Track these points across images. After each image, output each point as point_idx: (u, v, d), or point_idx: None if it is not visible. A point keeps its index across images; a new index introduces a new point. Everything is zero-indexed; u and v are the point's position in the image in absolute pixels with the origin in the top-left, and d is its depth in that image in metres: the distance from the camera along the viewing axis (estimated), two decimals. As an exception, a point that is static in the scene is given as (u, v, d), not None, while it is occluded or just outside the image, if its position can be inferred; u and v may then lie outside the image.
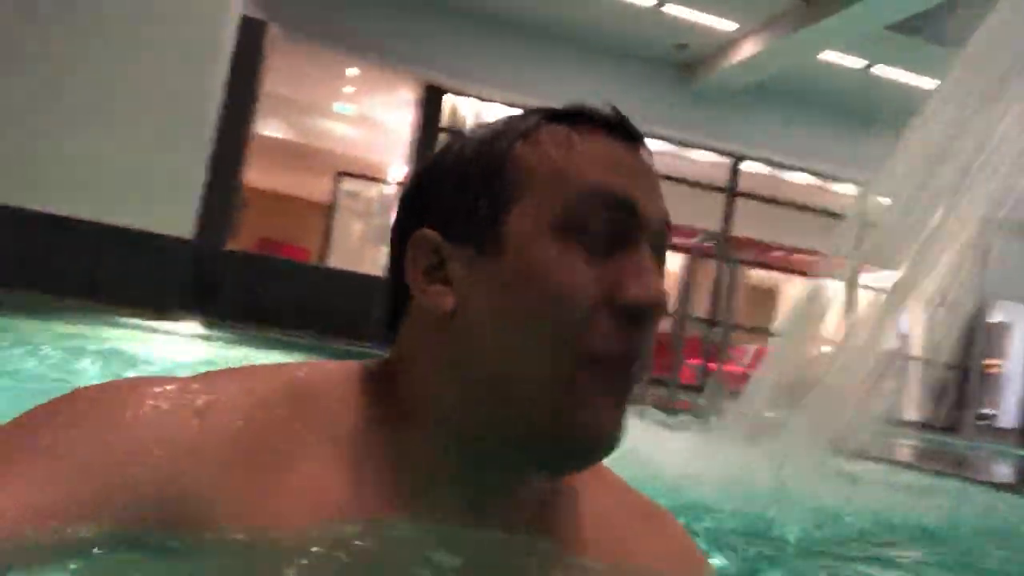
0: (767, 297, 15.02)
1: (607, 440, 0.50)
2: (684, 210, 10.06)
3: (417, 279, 0.53)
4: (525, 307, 0.50)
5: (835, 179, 10.95)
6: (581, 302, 0.49)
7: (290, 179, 12.63)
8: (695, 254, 9.21)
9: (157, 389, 0.49)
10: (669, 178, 10.42)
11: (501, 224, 0.51)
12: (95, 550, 0.43)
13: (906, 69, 9.21)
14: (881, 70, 9.26)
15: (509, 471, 0.53)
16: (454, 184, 0.54)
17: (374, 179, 10.51)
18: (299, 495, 0.48)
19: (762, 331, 13.87)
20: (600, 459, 0.52)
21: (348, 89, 10.11)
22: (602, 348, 0.49)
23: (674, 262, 11.98)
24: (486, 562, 0.51)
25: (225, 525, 0.46)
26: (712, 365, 8.33)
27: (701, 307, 10.54)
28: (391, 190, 10.25)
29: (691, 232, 11.13)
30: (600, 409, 0.50)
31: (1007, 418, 11.90)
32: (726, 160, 10.59)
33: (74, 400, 0.48)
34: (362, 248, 10.41)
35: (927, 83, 9.33)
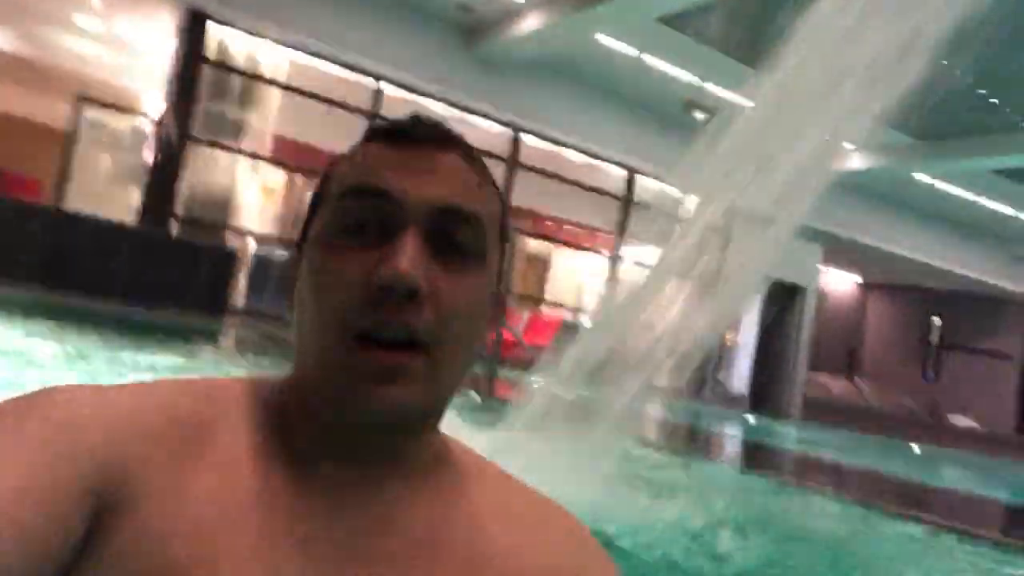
0: (541, 266, 15.62)
1: (380, 413, 0.54)
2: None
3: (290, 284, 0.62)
4: (306, 300, 0.57)
5: (607, 160, 11.54)
6: (342, 288, 0.54)
7: (18, 98, 10.95)
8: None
9: (86, 389, 0.55)
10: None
11: (307, 232, 0.60)
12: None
13: (672, 63, 9.85)
14: (651, 60, 9.82)
15: (349, 451, 0.58)
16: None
17: (123, 109, 9.33)
18: (217, 469, 0.54)
19: (535, 299, 14.49)
20: (384, 432, 0.57)
21: (93, 0, 8.83)
22: (359, 326, 0.54)
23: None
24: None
25: (152, 496, 0.51)
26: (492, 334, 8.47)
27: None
28: (147, 124, 9.16)
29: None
30: (369, 384, 0.54)
31: (739, 384, 13.45)
32: (508, 131, 10.73)
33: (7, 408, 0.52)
34: (110, 188, 9.23)
35: (689, 77, 10.10)
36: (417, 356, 0.55)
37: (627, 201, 12.02)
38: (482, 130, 10.57)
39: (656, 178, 11.74)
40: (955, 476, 8.99)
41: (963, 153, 10.79)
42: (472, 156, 0.61)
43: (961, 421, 15.90)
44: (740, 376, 13.53)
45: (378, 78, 9.67)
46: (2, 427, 0.50)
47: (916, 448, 11.20)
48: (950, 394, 16.62)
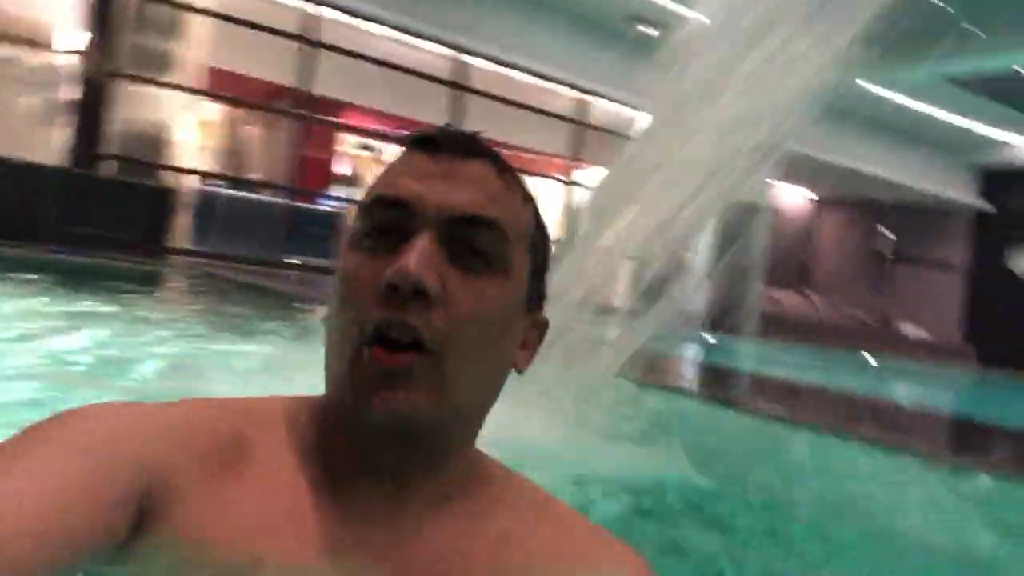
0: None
1: (381, 417, 0.55)
2: (405, 102, 9.67)
3: None
4: (331, 305, 0.59)
5: (558, 82, 11.25)
6: (358, 294, 0.56)
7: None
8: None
9: (126, 406, 0.58)
10: (388, 65, 9.95)
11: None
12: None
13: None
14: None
15: (377, 463, 0.59)
16: None
17: (33, 44, 8.69)
18: (255, 482, 0.57)
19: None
20: (395, 441, 0.57)
21: (-3, -74, 8.12)
22: (368, 329, 0.54)
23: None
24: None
25: (193, 513, 0.53)
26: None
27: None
28: (62, 60, 8.56)
29: (413, 123, 10.90)
30: (371, 387, 0.54)
31: (695, 307, 13.59)
32: (453, 54, 10.35)
33: (64, 418, 0.55)
34: (30, 129, 8.68)
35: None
36: (424, 360, 0.54)
37: (580, 124, 11.80)
38: (427, 52, 10.19)
39: (609, 99, 11.52)
40: (909, 391, 9.26)
41: (914, 62, 10.75)
42: (502, 167, 0.61)
43: (911, 331, 16.39)
44: (697, 294, 13.68)
45: (316, 2, 9.17)
46: (48, 437, 0.52)
47: (871, 360, 11.55)
48: (899, 305, 17.07)
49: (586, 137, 11.83)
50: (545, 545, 0.63)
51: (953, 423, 6.01)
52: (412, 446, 0.58)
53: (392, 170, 0.61)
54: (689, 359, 8.82)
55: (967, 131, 14.46)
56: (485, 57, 10.48)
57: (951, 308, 16.87)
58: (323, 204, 11.47)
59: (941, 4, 8.97)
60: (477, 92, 10.61)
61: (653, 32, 10.29)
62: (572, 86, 11.44)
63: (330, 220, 11.10)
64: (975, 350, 15.45)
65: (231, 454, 0.57)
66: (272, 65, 9.72)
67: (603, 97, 11.48)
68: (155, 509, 0.52)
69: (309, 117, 10.15)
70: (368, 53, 9.80)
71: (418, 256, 0.54)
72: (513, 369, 0.63)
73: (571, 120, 11.77)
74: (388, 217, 0.57)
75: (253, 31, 8.92)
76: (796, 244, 18.17)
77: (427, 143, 0.60)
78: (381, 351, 0.54)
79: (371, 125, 11.69)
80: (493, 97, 10.74)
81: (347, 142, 12.41)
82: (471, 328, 0.56)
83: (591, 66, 10.95)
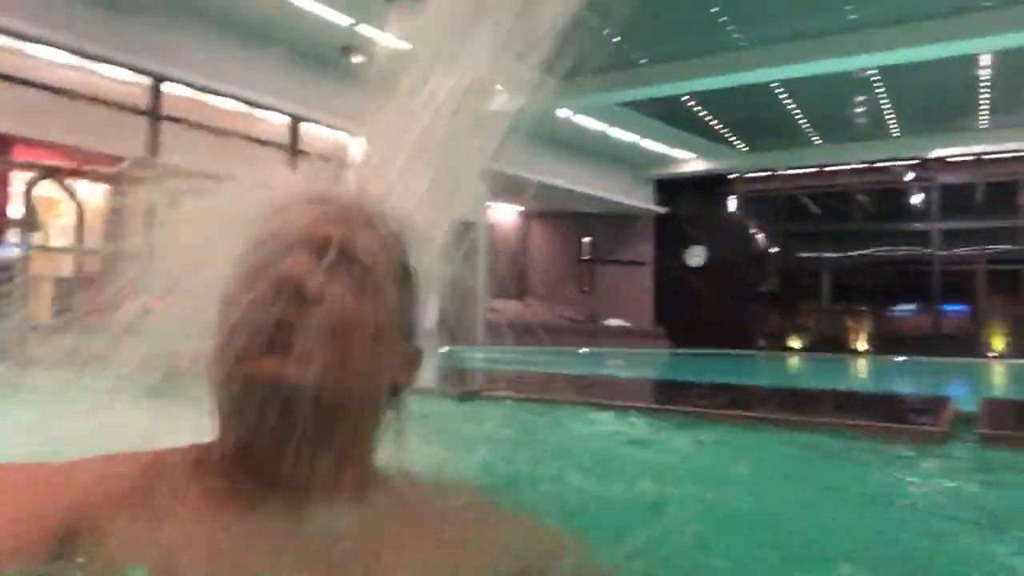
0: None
1: (270, 379, 0.64)
2: (98, 134, 8.70)
3: None
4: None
5: (267, 107, 10.91)
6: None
7: None
8: (119, 183, 8.14)
9: (44, 463, 0.66)
10: (68, 93, 8.94)
11: None
12: None
13: (323, 3, 9.52)
14: (301, 1, 9.39)
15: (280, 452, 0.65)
16: None
17: None
18: (165, 517, 0.62)
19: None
20: (272, 401, 0.64)
21: None
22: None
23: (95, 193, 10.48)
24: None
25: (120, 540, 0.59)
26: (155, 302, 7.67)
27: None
28: None
29: (109, 160, 9.87)
30: (264, 354, 0.64)
31: (430, 319, 13.91)
32: (146, 80, 9.56)
33: None
34: None
35: (342, 19, 9.86)
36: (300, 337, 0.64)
37: (292, 150, 11.55)
38: (116, 80, 9.30)
39: (323, 125, 11.42)
40: (613, 367, 10.44)
41: (594, 88, 12.15)
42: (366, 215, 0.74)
43: (614, 322, 18.36)
44: (430, 312, 14.06)
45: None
46: None
47: (584, 350, 12.84)
48: (604, 301, 19.08)
49: (298, 164, 11.60)
50: (454, 533, 0.70)
51: (656, 384, 7.03)
52: (293, 417, 0.64)
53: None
54: (433, 366, 9.06)
55: (643, 148, 16.67)
56: (185, 84, 9.82)
57: (645, 299, 19.24)
58: (-3, 251, 9.90)
59: (616, 39, 10.23)
60: (175, 120, 9.91)
61: (364, 60, 10.44)
62: (283, 112, 11.18)
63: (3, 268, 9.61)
64: (666, 332, 17.78)
65: (139, 498, 0.63)
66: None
67: (316, 123, 11.37)
68: (71, 553, 0.58)
69: (-31, 153, 8.72)
70: (43, 81, 8.70)
71: (290, 265, 0.67)
72: (399, 384, 0.74)
73: (281, 147, 11.47)
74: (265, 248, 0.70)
75: None
76: (512, 256, 19.50)
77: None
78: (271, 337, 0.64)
79: (50, 160, 10.33)
80: (194, 125, 10.10)
81: (21, 180, 10.82)
82: (342, 325, 0.66)
83: (302, 93, 10.78)
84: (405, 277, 0.75)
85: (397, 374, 0.74)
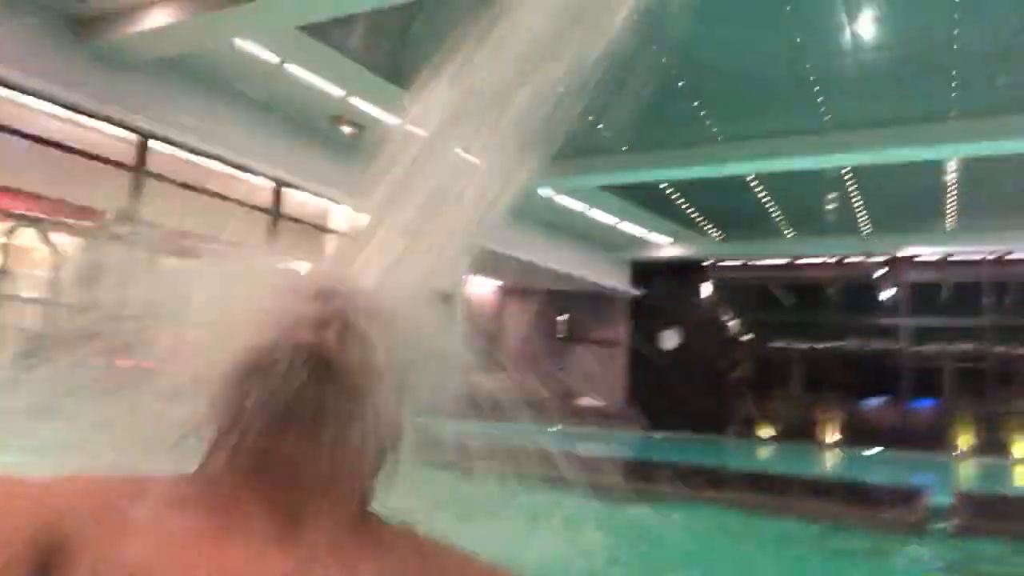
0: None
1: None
2: (81, 186, 8.65)
3: None
4: None
5: (252, 171, 10.97)
6: None
7: None
8: (97, 237, 8.08)
9: (12, 479, 0.64)
10: (52, 144, 8.96)
11: None
12: None
13: (317, 75, 9.72)
14: (295, 70, 9.58)
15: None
16: None
17: None
18: (142, 539, 0.61)
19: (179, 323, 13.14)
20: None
21: None
22: None
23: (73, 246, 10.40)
24: None
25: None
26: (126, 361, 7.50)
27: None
28: None
29: (89, 213, 9.81)
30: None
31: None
32: (133, 136, 9.61)
33: None
34: None
35: (335, 90, 10.06)
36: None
37: (275, 214, 11.57)
38: (103, 134, 9.34)
39: (307, 191, 11.50)
40: (585, 447, 10.33)
41: (576, 172, 12.41)
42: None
43: (586, 401, 18.25)
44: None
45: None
46: None
47: (553, 428, 12.73)
48: (578, 380, 19.00)
49: (281, 228, 11.61)
50: None
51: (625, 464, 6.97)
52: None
53: None
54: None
55: (621, 230, 16.94)
56: (172, 144, 9.88)
57: (617, 379, 19.20)
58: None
59: (599, 126, 10.50)
60: (163, 178, 9.92)
61: (353, 131, 10.62)
62: (268, 177, 11.25)
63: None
64: (638, 414, 17.69)
65: (117, 520, 0.62)
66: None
67: (300, 189, 11.44)
68: (55, 561, 0.57)
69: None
70: (27, 130, 8.71)
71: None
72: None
73: (264, 210, 11.49)
74: None
75: None
76: (487, 329, 19.46)
77: None
78: None
79: (27, 210, 10.25)
80: (178, 184, 10.12)
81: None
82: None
83: (289, 158, 10.89)
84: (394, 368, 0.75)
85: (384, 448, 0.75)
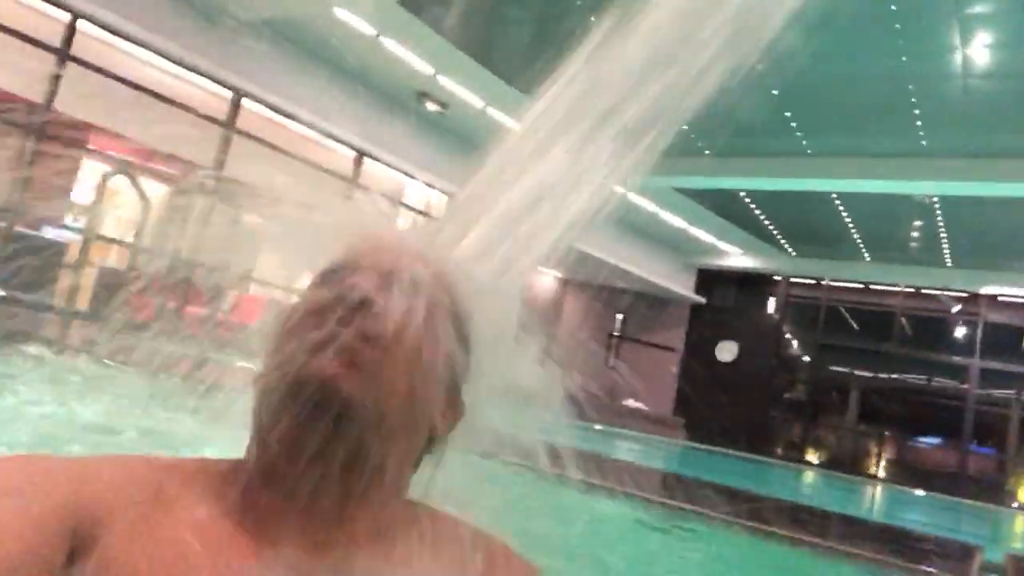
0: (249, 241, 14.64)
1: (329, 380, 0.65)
2: (172, 137, 8.85)
3: None
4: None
5: (334, 138, 11.16)
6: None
7: None
8: (182, 189, 8.30)
9: (60, 457, 0.63)
10: (151, 93, 9.26)
11: None
12: None
13: (409, 49, 9.80)
14: (388, 43, 9.67)
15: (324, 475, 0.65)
16: None
17: None
18: (176, 531, 0.61)
19: (246, 278, 13.53)
20: (322, 408, 0.64)
21: None
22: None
23: (159, 191, 10.74)
24: None
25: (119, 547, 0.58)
26: (193, 309, 7.77)
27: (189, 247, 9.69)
28: None
29: (178, 163, 10.12)
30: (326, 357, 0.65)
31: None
32: (228, 93, 9.87)
33: None
34: None
35: (423, 66, 10.13)
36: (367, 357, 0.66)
37: (354, 183, 11.75)
38: (199, 87, 9.61)
39: (386, 164, 11.64)
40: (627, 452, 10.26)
41: (652, 171, 12.24)
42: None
43: (633, 403, 18.11)
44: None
45: (74, 13, 8.28)
46: None
47: (597, 426, 12.74)
48: (627, 380, 18.86)
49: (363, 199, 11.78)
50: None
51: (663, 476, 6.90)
52: (336, 433, 0.64)
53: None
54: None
55: (691, 235, 16.68)
56: (264, 103, 10.11)
57: (668, 385, 18.99)
58: (49, 233, 10.12)
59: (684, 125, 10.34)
60: (251, 137, 10.17)
61: (439, 109, 10.70)
62: (350, 146, 11.42)
63: (53, 251, 9.82)
64: (684, 423, 17.47)
65: (156, 497, 0.63)
66: (7, 72, 8.55)
67: (380, 161, 11.58)
68: (85, 547, 0.57)
69: (45, 133, 8.99)
70: (129, 78, 9.01)
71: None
72: (435, 433, 0.73)
73: (343, 178, 11.69)
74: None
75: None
76: (543, 318, 19.47)
77: None
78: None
79: (124, 154, 10.65)
80: (267, 144, 10.36)
81: (91, 168, 11.13)
82: (405, 350, 0.67)
83: (372, 130, 11.03)
84: (460, 327, 0.74)
85: (438, 420, 0.73)
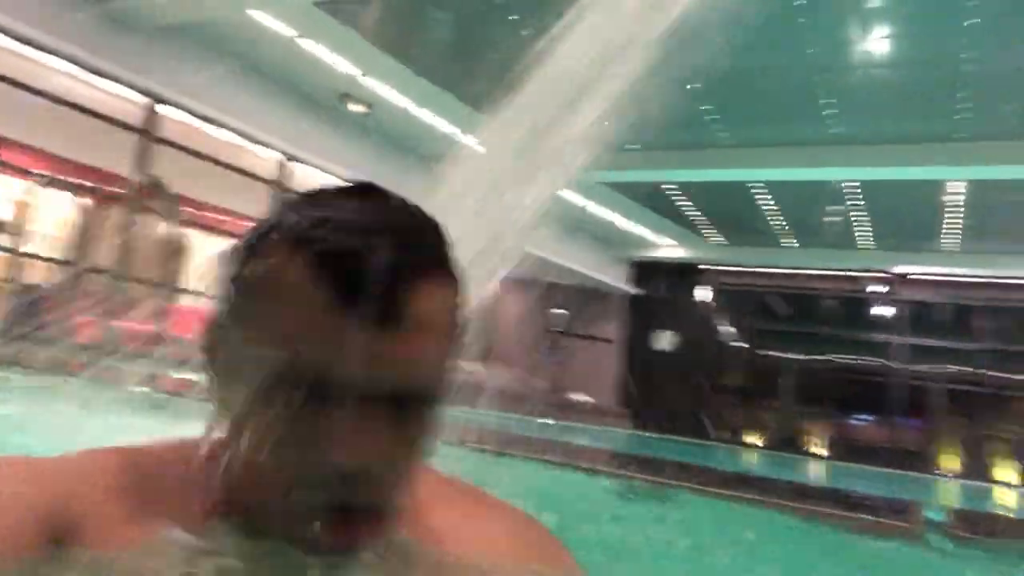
0: (177, 253, 14.27)
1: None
2: (88, 146, 8.69)
3: None
4: None
5: (258, 142, 11.00)
6: None
7: None
8: (100, 199, 8.09)
9: (37, 459, 0.61)
10: (64, 103, 8.99)
11: None
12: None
13: (329, 49, 9.72)
14: (307, 44, 9.58)
15: None
16: None
17: None
18: (158, 524, 0.58)
19: (170, 287, 13.20)
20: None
21: None
22: None
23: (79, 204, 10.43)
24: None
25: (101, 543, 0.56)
26: (119, 322, 7.59)
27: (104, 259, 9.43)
28: None
29: (99, 174, 9.85)
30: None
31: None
32: (143, 99, 9.63)
33: None
34: None
35: (345, 66, 10.05)
36: None
37: (280, 187, 11.60)
38: (114, 95, 9.36)
39: (313, 166, 11.52)
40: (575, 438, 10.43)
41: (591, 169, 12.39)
42: None
43: (578, 397, 18.32)
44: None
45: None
46: None
47: (547, 421, 12.89)
48: (569, 375, 19.06)
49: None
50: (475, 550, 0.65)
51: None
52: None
53: None
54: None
55: (621, 228, 16.97)
56: (182, 108, 9.90)
57: (609, 376, 19.27)
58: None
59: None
60: (171, 144, 9.95)
61: (363, 110, 10.65)
62: (275, 149, 11.27)
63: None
64: (628, 412, 17.75)
65: (132, 497, 0.59)
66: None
67: (305, 163, 11.46)
68: (62, 550, 0.55)
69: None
70: (40, 87, 8.73)
71: None
72: None
73: (269, 182, 11.53)
74: None
75: None
76: (483, 319, 19.51)
77: None
78: None
79: (36, 167, 10.30)
80: (186, 150, 10.15)
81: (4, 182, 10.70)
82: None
83: (296, 132, 10.91)
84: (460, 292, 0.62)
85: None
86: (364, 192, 0.58)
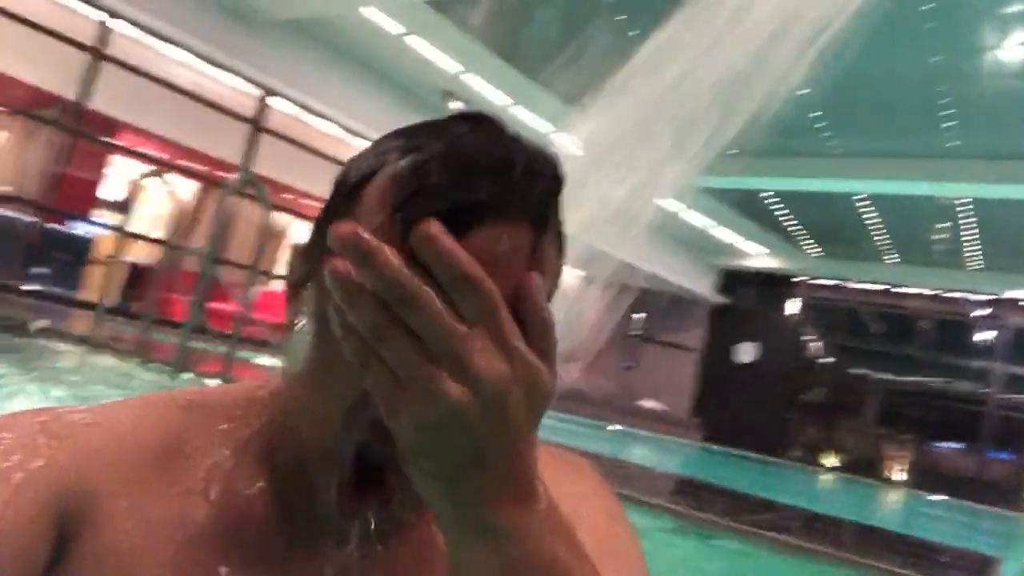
0: (277, 239, 14.71)
1: None
2: (200, 134, 9.01)
3: None
4: None
5: (358, 135, 11.18)
6: None
7: None
8: (210, 184, 8.33)
9: (48, 416, 0.53)
10: (182, 92, 9.32)
11: None
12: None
13: (436, 48, 9.79)
14: (414, 41, 9.66)
15: None
16: None
17: None
18: (178, 496, 0.52)
19: (268, 273, 13.59)
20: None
21: None
22: None
23: (188, 189, 10.84)
24: None
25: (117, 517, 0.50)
26: (212, 304, 7.84)
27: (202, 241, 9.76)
28: None
29: (209, 160, 10.20)
30: None
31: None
32: (256, 91, 9.91)
33: None
34: None
35: (450, 64, 10.10)
36: None
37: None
38: (227, 86, 9.66)
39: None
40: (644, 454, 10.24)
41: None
42: None
43: (649, 404, 18.07)
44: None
45: (108, 11, 8.34)
46: None
47: (612, 427, 12.75)
48: (645, 380, 18.81)
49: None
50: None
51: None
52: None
53: None
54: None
55: (713, 235, 16.58)
56: (290, 100, 10.15)
57: (685, 385, 18.93)
58: (79, 228, 10.20)
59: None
60: (278, 135, 10.22)
61: (461, 107, 10.67)
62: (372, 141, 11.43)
63: (83, 246, 9.92)
64: (701, 424, 17.40)
65: (156, 466, 0.53)
66: (54, 73, 8.63)
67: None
68: (76, 528, 0.50)
69: (77, 131, 9.07)
70: (160, 76, 9.07)
71: None
72: None
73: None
74: None
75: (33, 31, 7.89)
76: (565, 317, 19.44)
77: None
78: None
79: (153, 151, 10.73)
80: (292, 142, 10.40)
81: (121, 164, 11.21)
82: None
83: (393, 126, 11.02)
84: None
85: None
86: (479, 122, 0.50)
